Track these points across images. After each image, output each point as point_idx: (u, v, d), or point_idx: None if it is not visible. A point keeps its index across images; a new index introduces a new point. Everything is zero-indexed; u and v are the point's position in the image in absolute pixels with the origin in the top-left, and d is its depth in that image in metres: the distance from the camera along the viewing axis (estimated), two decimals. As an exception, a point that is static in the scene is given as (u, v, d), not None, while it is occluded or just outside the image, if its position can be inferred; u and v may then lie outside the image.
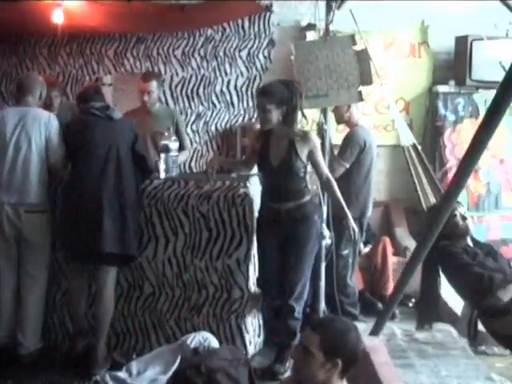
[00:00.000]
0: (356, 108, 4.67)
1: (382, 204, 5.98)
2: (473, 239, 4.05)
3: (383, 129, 5.98)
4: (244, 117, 5.61)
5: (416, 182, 4.44)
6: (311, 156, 3.71)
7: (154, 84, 4.72)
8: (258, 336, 4.15)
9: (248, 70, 5.59)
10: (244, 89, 5.59)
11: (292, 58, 4.17)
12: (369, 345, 2.92)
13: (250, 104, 5.63)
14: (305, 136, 3.67)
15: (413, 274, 2.95)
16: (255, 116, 5.63)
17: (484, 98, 5.85)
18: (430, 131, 5.93)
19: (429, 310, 4.10)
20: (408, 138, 4.64)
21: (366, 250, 5.46)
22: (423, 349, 4.19)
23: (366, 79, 4.00)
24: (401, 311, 5.02)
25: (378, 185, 6.04)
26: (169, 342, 3.65)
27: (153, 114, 4.80)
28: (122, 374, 3.06)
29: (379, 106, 5.95)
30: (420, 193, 4.38)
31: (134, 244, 3.75)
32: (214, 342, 3.13)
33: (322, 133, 4.26)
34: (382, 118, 5.99)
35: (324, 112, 4.28)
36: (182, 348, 2.97)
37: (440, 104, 5.85)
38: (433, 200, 4.47)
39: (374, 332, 3.32)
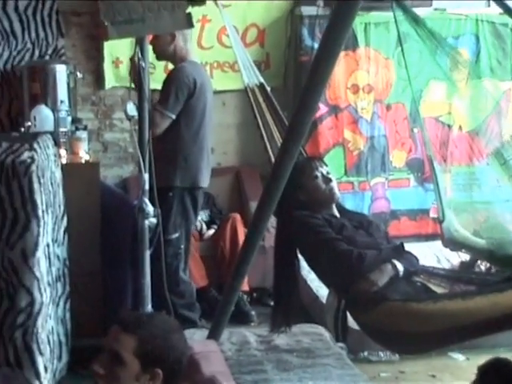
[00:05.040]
0: (184, 38, 4.79)
1: (232, 171, 6.20)
2: (340, 208, 4.28)
3: (229, 68, 6.16)
4: (33, 53, 5.55)
5: (265, 136, 4.63)
6: None
7: None
8: (59, 359, 4.20)
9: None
10: (30, 12, 5.52)
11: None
12: (201, 350, 3.09)
13: (42, 34, 5.57)
14: None
15: (251, 260, 3.13)
16: (49, 52, 5.59)
17: (364, 22, 6.20)
18: (294, 68, 6.22)
19: (285, 306, 4.29)
20: (253, 76, 4.81)
21: (210, 232, 5.65)
22: (285, 359, 4.44)
23: (197, -4, 4.09)
24: (259, 312, 5.29)
25: (226, 145, 6.29)
26: None
27: None
28: None
29: (224, 37, 6.09)
30: (270, 151, 4.57)
31: None
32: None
33: (137, 72, 4.31)
34: (229, 52, 6.12)
35: (141, 43, 4.34)
36: None
37: (305, 32, 6.11)
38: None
39: (212, 335, 3.48)
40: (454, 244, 5.39)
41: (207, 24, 6.07)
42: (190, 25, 4.17)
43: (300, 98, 3.12)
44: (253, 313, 5.36)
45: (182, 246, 4.87)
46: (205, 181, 4.93)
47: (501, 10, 5.08)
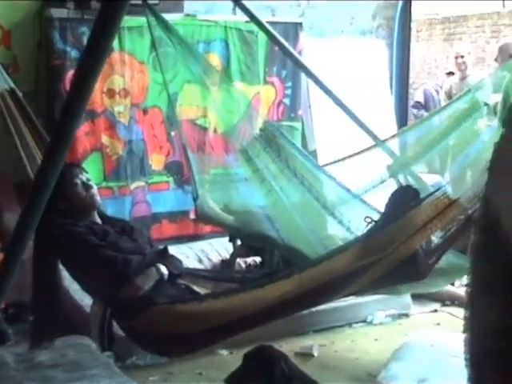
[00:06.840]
0: None
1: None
2: (101, 214, 4.26)
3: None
4: None
5: (19, 144, 4.48)
6: None
7: None
8: None
9: None
10: None
11: None
12: None
13: None
14: None
15: (12, 276, 3.03)
16: None
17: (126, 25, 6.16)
18: (46, 73, 6.07)
19: (46, 320, 4.21)
20: (1, 80, 4.65)
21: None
22: (50, 375, 4.29)
23: None
24: (17, 330, 5.07)
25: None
26: None
27: None
28: None
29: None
30: (25, 159, 4.44)
31: None
32: None
33: None
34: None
35: None
36: None
37: (56, 35, 5.98)
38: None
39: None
40: (206, 219, 5.44)
41: None
42: None
43: (65, 104, 3.04)
44: (10, 331, 5.11)
45: None
46: None
47: (247, 18, 5.30)
